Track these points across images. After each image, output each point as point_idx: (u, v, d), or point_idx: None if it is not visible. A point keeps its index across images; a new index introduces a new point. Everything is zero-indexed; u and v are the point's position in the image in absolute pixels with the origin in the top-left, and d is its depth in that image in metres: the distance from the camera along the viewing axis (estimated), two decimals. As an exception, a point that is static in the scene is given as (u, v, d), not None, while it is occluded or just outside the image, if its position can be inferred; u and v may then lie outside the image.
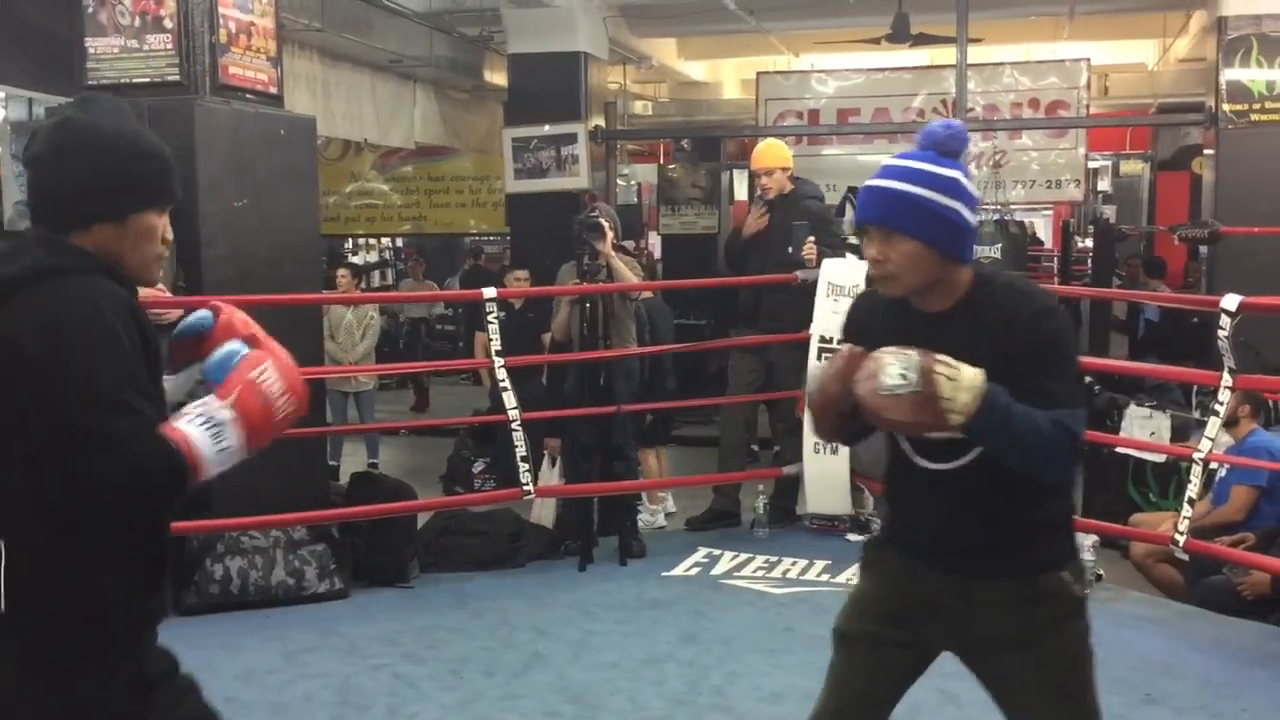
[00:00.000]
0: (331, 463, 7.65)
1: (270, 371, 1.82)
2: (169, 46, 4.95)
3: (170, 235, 1.91)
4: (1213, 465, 5.09)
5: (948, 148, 2.15)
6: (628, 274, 5.74)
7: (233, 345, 1.89)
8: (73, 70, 5.05)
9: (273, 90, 5.41)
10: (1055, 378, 2.09)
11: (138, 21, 4.96)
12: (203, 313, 1.95)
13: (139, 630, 1.87)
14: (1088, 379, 6.94)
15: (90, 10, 4.99)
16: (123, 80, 5.00)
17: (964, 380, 2.00)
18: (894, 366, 1.99)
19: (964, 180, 2.14)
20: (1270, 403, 6.30)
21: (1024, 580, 2.19)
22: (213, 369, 1.86)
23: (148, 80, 4.98)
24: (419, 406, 11.19)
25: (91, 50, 5.01)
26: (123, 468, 1.67)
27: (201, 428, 1.74)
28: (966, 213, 2.13)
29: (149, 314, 1.86)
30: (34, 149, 1.83)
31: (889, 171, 2.16)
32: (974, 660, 2.27)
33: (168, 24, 4.94)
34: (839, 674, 2.34)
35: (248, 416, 1.78)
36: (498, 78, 9.99)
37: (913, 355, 2.01)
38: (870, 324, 2.27)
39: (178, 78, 4.95)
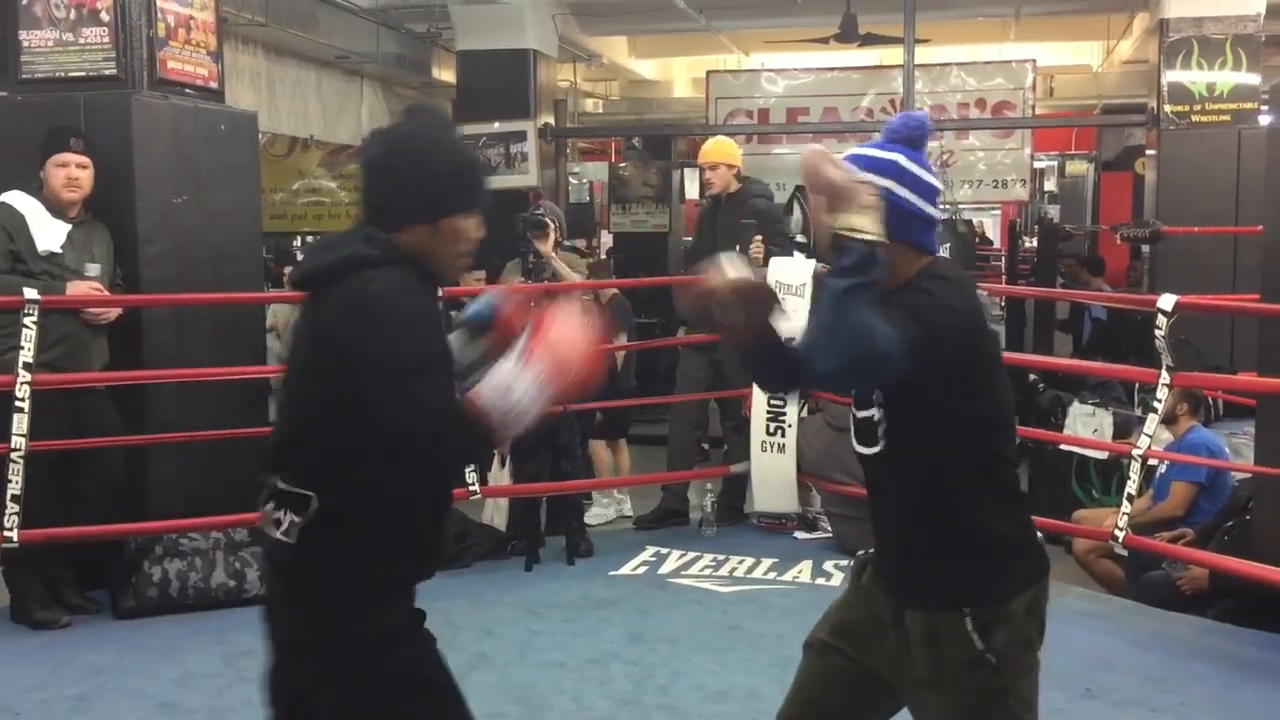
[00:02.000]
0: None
1: (563, 323, 1.95)
2: (105, 40, 4.87)
3: (480, 234, 2.11)
4: (1153, 462, 5.15)
5: (902, 135, 2.17)
6: (570, 273, 5.71)
7: (484, 305, 2.18)
8: (7, 64, 4.95)
9: (213, 85, 5.33)
10: (898, 311, 2.02)
11: (73, 14, 4.88)
12: (486, 300, 2.23)
13: (408, 585, 2.08)
14: (1032, 377, 7.02)
15: (24, 3, 4.89)
16: (58, 74, 4.92)
17: (873, 223, 1.99)
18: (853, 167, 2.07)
19: (905, 162, 2.13)
20: (1210, 400, 6.40)
21: (933, 616, 2.11)
22: (471, 323, 2.16)
23: (84, 74, 4.90)
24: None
25: (26, 44, 4.92)
26: (424, 424, 1.89)
27: (495, 389, 1.90)
28: (903, 191, 2.11)
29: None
30: (367, 154, 2.10)
31: (845, 157, 2.17)
32: (905, 699, 2.24)
33: (104, 17, 4.86)
34: (796, 679, 2.36)
35: (546, 365, 1.91)
36: (446, 74, 9.94)
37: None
38: None
39: (114, 72, 4.87)
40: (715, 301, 2.07)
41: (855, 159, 2.15)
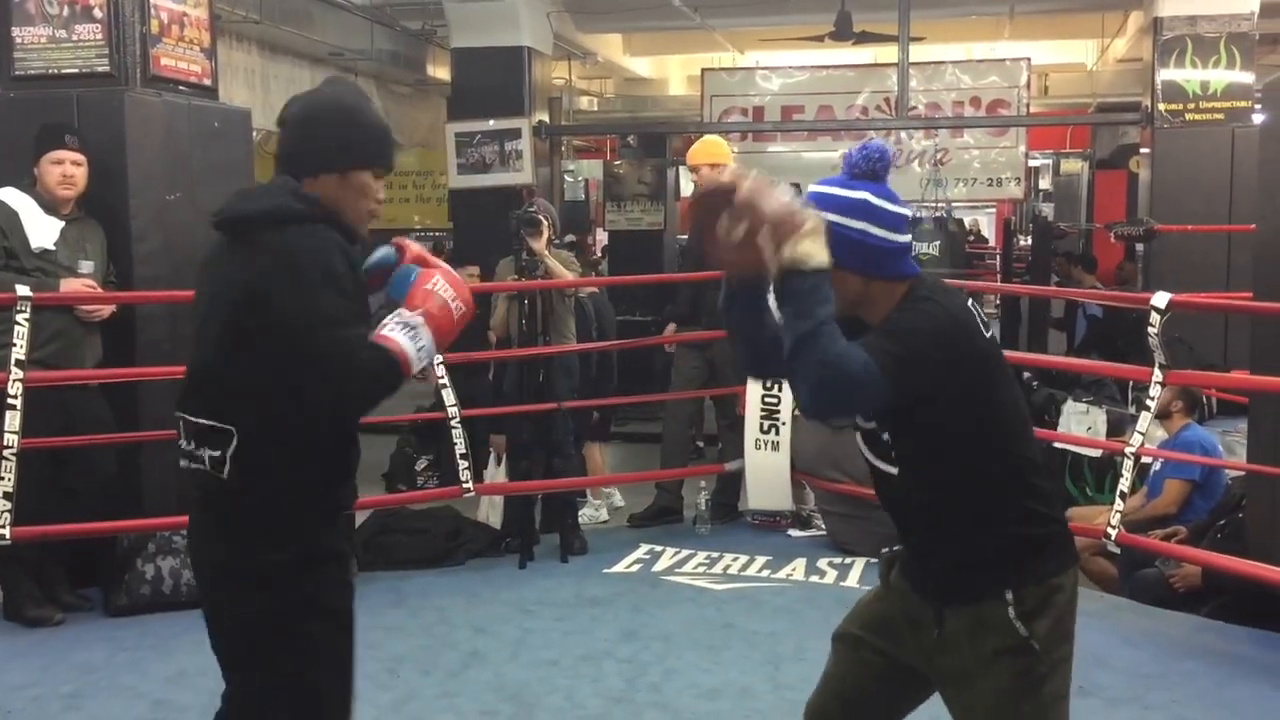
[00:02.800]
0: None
1: (441, 281, 2.26)
2: (99, 37, 4.86)
3: (381, 196, 2.34)
4: (1146, 460, 5.16)
5: (863, 170, 2.17)
6: (563, 271, 5.70)
7: (406, 267, 2.32)
8: (-1, 60, 4.94)
9: (206, 82, 5.32)
10: (877, 335, 2.05)
11: (66, 11, 4.86)
12: (387, 249, 2.36)
13: (329, 515, 2.28)
14: (1026, 375, 7.03)
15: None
16: (51, 71, 4.90)
17: (820, 249, 1.97)
18: (792, 191, 2.03)
19: (874, 200, 2.14)
20: (1204, 398, 6.41)
21: (973, 609, 2.14)
22: (395, 287, 2.30)
23: (77, 71, 4.88)
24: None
25: (19, 40, 4.90)
26: (350, 372, 2.12)
27: (402, 332, 2.17)
28: (878, 231, 2.13)
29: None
30: (288, 113, 2.31)
31: (806, 196, 2.15)
32: (940, 689, 2.27)
33: (97, 14, 4.85)
34: (825, 672, 2.41)
35: (433, 316, 2.21)
36: (441, 72, 9.93)
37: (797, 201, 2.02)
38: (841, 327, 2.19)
39: (108, 69, 4.86)
40: (752, 219, 1.99)
41: (822, 199, 2.14)
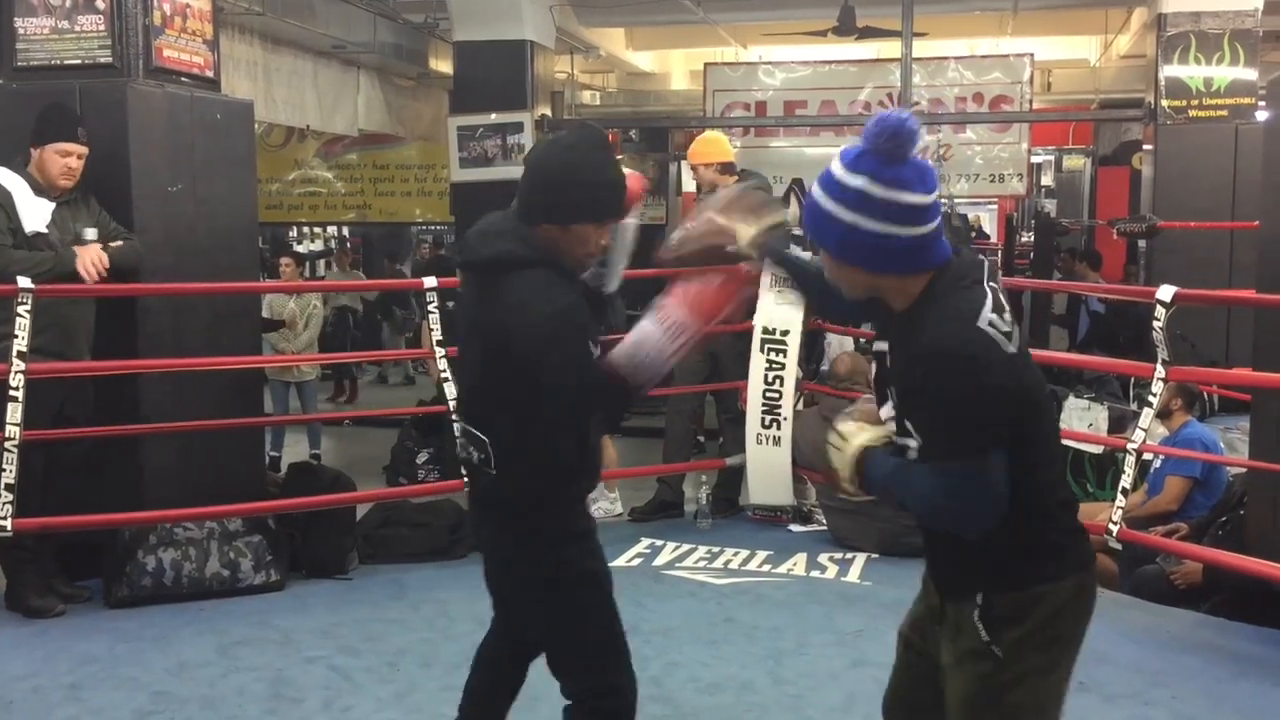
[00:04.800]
0: (273, 453, 7.57)
1: (687, 286, 2.40)
2: (101, 28, 4.85)
3: (605, 242, 2.54)
4: (1148, 456, 5.16)
5: (879, 145, 1.93)
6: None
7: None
8: (2, 52, 4.93)
9: (209, 74, 5.32)
10: (932, 422, 1.98)
11: (69, 2, 4.85)
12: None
13: (576, 500, 2.63)
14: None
15: (20, -10, 4.87)
16: (53, 62, 4.89)
17: (847, 452, 2.12)
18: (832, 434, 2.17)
19: (873, 189, 1.93)
20: (1205, 395, 6.41)
21: (957, 606, 2.13)
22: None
23: (79, 62, 4.87)
24: (350, 398, 11.13)
25: (21, 31, 4.90)
26: (574, 403, 2.41)
27: (634, 336, 2.35)
28: (874, 225, 1.94)
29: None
30: (529, 158, 2.67)
31: (819, 178, 2.05)
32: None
33: (100, 5, 4.84)
34: (893, 667, 2.43)
35: (673, 311, 2.37)
36: (443, 65, 9.92)
37: (843, 424, 2.16)
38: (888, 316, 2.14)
39: (110, 60, 4.85)
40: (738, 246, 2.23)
41: (828, 183, 2.01)
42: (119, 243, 4.58)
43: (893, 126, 1.91)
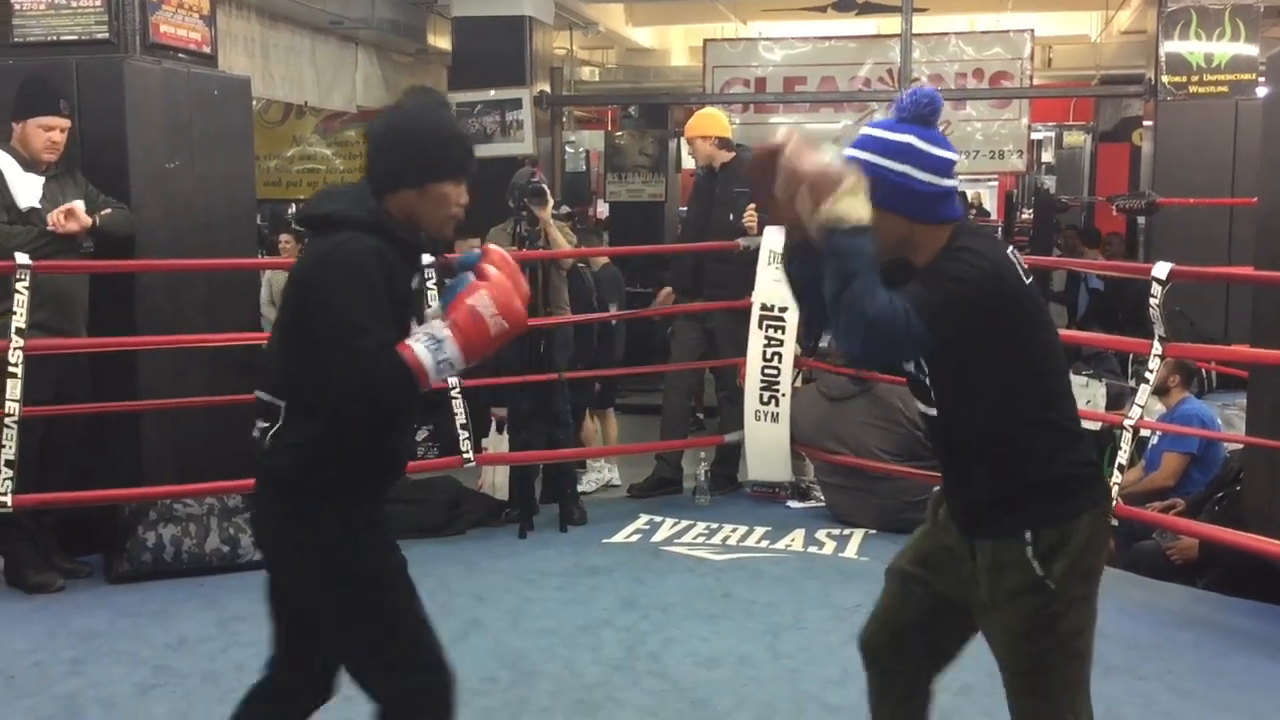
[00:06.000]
0: (271, 430, 7.57)
1: (484, 295, 2.25)
2: (98, 3, 4.84)
3: (465, 200, 2.39)
4: (1145, 433, 5.16)
5: (911, 114, 2.24)
6: (564, 242, 5.70)
7: (461, 276, 2.33)
8: (-2, 27, 4.92)
9: (206, 50, 5.30)
10: (928, 279, 2.15)
11: (65, -23, 4.84)
12: (473, 253, 2.40)
13: (367, 493, 2.41)
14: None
15: (16, -35, 4.85)
16: (50, 38, 4.89)
17: (859, 204, 2.07)
18: (829, 153, 2.10)
19: (919, 143, 2.21)
20: (1203, 372, 6.42)
21: (996, 545, 2.26)
22: (447, 294, 2.32)
23: (76, 38, 4.87)
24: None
25: (17, 6, 4.89)
26: (361, 377, 2.20)
27: (425, 344, 2.21)
28: (920, 174, 2.20)
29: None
30: (370, 128, 2.46)
31: (853, 140, 2.27)
32: (976, 620, 2.37)
33: (96, -20, 4.82)
34: (877, 604, 2.53)
35: (462, 332, 2.23)
36: (441, 41, 9.87)
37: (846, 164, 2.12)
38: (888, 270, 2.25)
39: (107, 35, 4.84)
40: (791, 179, 2.11)
41: (867, 141, 2.23)
42: (108, 211, 4.55)
43: (929, 95, 2.25)
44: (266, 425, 2.36)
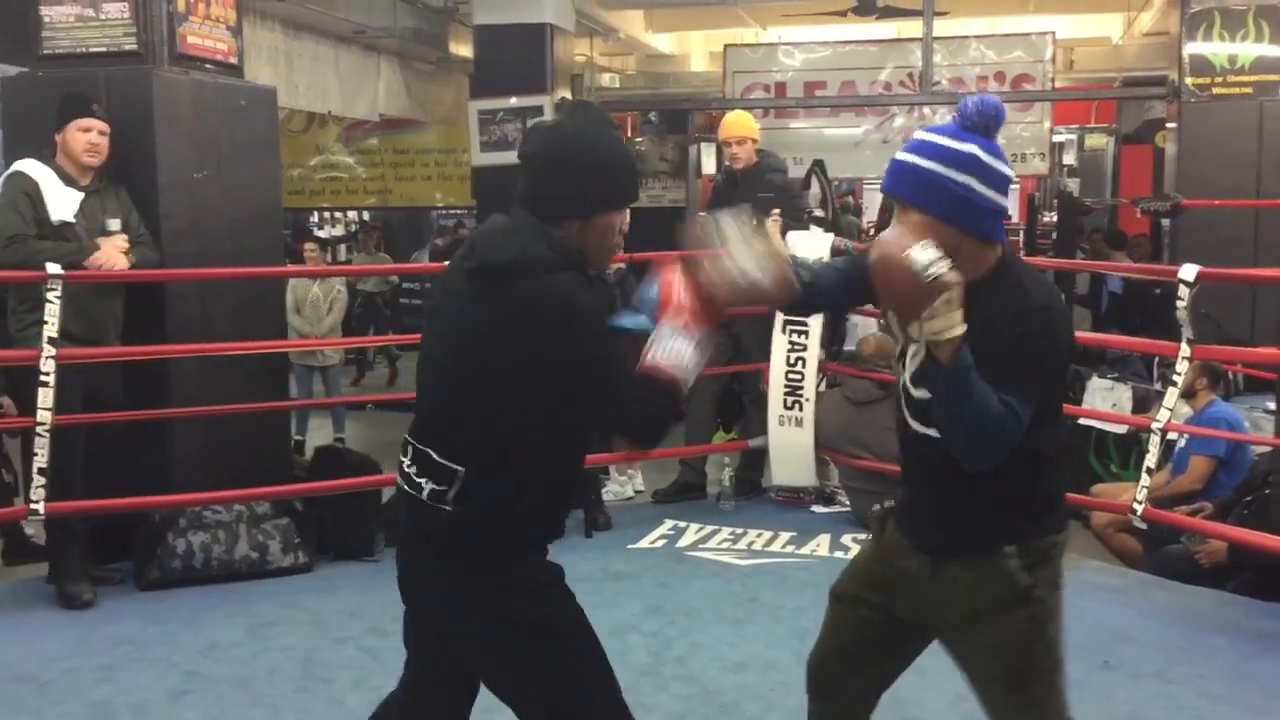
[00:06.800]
0: (297, 437, 7.63)
1: (674, 278, 2.15)
2: (126, 15, 4.88)
3: (626, 228, 2.27)
4: (1172, 436, 5.14)
5: (976, 123, 2.16)
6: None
7: (646, 290, 2.23)
8: (28, 39, 4.97)
9: (233, 60, 5.34)
10: (1014, 362, 2.07)
11: (93, -11, 4.89)
12: (652, 285, 2.26)
13: (541, 546, 2.29)
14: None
15: (45, -22, 4.91)
16: (79, 49, 4.93)
17: (954, 318, 2.00)
18: (930, 251, 1.99)
19: (984, 156, 2.13)
20: (1229, 375, 6.38)
21: (975, 563, 2.23)
22: (646, 308, 2.21)
23: (104, 49, 4.91)
24: (390, 380, 11.18)
25: (47, 19, 4.93)
26: (632, 421, 2.15)
27: (665, 350, 2.10)
28: (981, 188, 2.13)
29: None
30: (528, 148, 2.24)
31: (910, 144, 2.20)
32: (942, 639, 2.36)
33: (124, -8, 4.86)
34: (824, 628, 2.50)
35: (690, 313, 2.12)
36: (463, 49, 9.92)
37: (949, 265, 2.01)
38: None
39: (135, 47, 4.88)
40: (884, 298, 2.11)
41: (930, 149, 2.15)
42: (139, 249, 4.59)
43: (994, 105, 2.16)
44: (441, 488, 2.18)
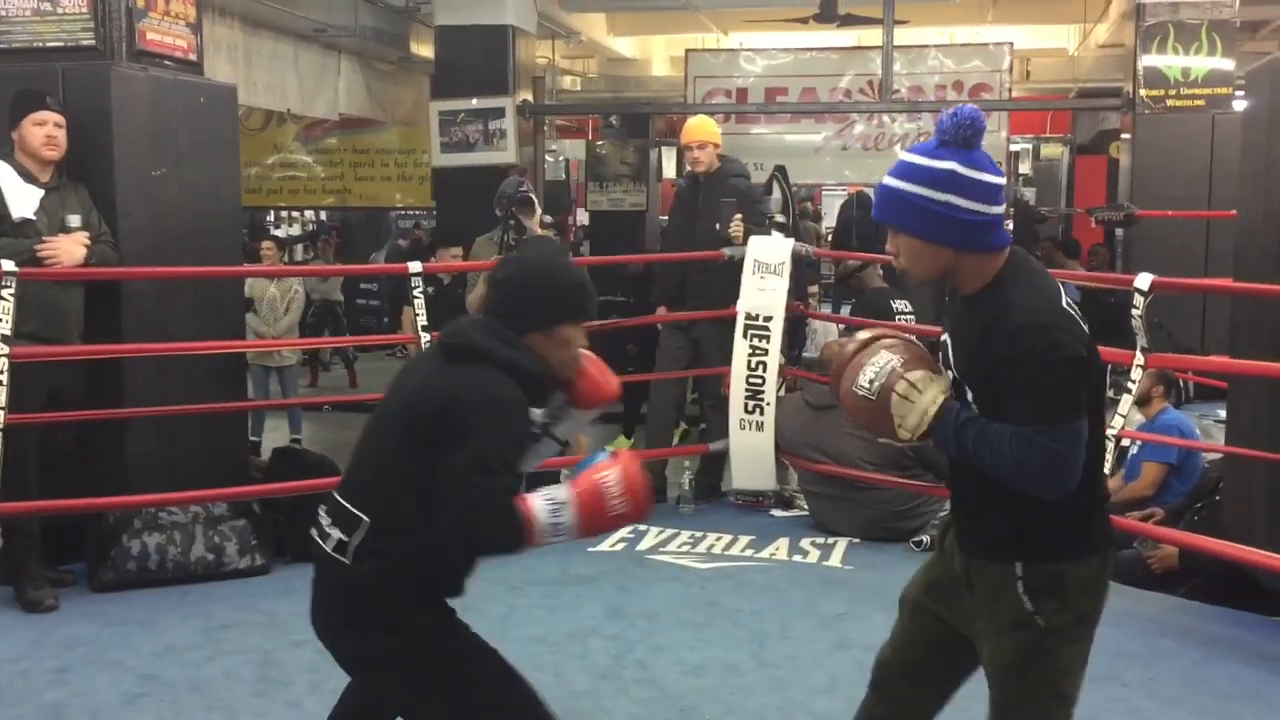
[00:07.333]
0: (253, 438, 7.55)
1: (613, 474, 2.26)
2: (84, 10, 4.82)
3: (584, 342, 2.52)
4: (1125, 442, 5.21)
5: (953, 137, 2.14)
6: (553, 250, 5.72)
7: (598, 454, 2.35)
8: (-17, 33, 4.90)
9: (192, 57, 5.29)
10: (1026, 390, 2.08)
11: (51, -17, 4.82)
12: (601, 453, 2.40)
13: (439, 601, 2.42)
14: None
15: (2, -29, 4.84)
16: (35, 44, 4.87)
17: (919, 403, 2.09)
18: (867, 371, 2.09)
19: (963, 170, 2.12)
20: (1181, 382, 6.48)
21: (992, 575, 2.22)
22: (580, 465, 2.34)
23: (61, 45, 4.85)
24: (351, 384, 11.11)
25: (3, 12, 4.87)
26: (475, 515, 2.22)
27: (545, 503, 2.22)
28: (965, 203, 2.11)
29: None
30: (498, 274, 2.55)
31: (893, 168, 2.20)
32: (978, 649, 2.32)
33: (83, -14, 4.80)
34: (892, 632, 2.49)
35: (585, 505, 2.23)
36: (424, 50, 9.89)
37: (888, 365, 2.09)
38: (949, 299, 2.33)
39: (93, 42, 4.82)
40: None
41: (907, 170, 2.16)
42: (98, 248, 4.54)
43: (970, 116, 2.14)
44: (343, 537, 2.35)
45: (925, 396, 2.09)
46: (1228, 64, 7.95)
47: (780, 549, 5.24)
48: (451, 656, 2.39)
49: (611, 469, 2.27)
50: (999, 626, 2.20)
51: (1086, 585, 2.20)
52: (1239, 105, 7.62)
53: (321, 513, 2.42)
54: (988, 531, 2.24)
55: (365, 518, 2.33)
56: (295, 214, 16.23)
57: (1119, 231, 8.91)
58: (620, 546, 5.28)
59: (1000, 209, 2.16)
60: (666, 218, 8.77)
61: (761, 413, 5.75)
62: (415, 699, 2.41)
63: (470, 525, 2.23)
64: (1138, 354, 4.50)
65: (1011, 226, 11.39)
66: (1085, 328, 2.15)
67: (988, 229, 2.14)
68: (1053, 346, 2.07)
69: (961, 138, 2.13)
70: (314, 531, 2.41)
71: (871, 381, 2.09)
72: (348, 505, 2.37)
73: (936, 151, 2.14)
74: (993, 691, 2.27)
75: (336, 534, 2.35)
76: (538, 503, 2.22)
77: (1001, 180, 2.17)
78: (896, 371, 2.12)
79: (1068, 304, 2.15)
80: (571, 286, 2.52)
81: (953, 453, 2.14)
